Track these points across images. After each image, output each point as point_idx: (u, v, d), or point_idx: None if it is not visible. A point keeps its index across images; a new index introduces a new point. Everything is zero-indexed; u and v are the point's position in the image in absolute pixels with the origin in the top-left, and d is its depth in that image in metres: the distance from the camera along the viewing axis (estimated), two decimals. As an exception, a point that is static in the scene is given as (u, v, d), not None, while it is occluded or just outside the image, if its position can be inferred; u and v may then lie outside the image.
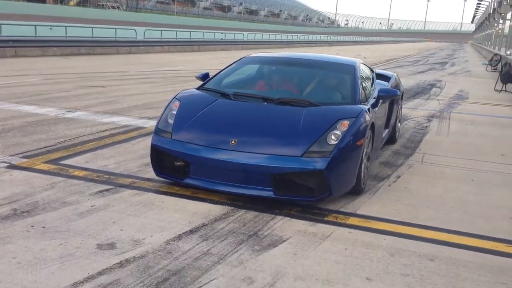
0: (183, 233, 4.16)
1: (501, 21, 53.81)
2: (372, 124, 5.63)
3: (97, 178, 5.37)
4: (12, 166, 5.60)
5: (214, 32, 46.08)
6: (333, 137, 4.93)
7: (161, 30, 37.93)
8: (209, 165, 4.92)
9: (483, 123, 10.81)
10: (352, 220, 4.67)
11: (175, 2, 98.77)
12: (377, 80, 7.54)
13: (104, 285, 3.27)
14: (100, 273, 3.42)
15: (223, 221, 4.45)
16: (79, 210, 4.49)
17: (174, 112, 5.43)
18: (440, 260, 3.97)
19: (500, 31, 54.92)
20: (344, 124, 5.06)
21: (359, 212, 4.90)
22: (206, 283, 3.38)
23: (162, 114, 5.50)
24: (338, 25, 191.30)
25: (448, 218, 4.91)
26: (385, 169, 6.50)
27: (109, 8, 75.29)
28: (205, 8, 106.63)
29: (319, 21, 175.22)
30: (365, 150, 5.33)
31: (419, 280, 3.62)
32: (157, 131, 5.32)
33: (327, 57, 7.29)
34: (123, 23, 49.66)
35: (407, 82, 18.45)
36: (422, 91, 16.63)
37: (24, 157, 5.98)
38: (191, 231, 4.20)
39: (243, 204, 4.87)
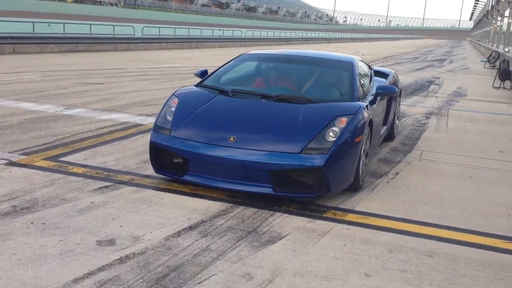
0: (183, 229, 4.17)
1: (499, 18, 53.84)
2: (370, 121, 5.65)
3: (96, 175, 5.38)
4: (11, 163, 5.61)
5: (212, 29, 46.10)
6: (331, 134, 4.94)
7: (159, 27, 37.89)
8: (208, 162, 4.93)
9: (481, 120, 10.83)
10: (351, 217, 4.69)
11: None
12: (375, 77, 7.55)
13: (104, 281, 3.29)
14: (100, 269, 3.43)
15: (222, 218, 4.47)
16: (78, 206, 4.50)
17: (173, 109, 5.44)
18: (438, 256, 3.99)
19: (498, 28, 54.96)
20: (342, 121, 5.08)
21: (357, 208, 4.92)
22: (205, 279, 3.40)
23: (161, 111, 5.50)
24: (337, 22, 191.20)
25: (446, 214, 4.93)
26: (384, 166, 6.52)
27: (107, 4, 75.11)
28: (203, 5, 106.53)
29: (318, 18, 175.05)
30: (363, 147, 5.35)
31: (417, 276, 3.64)
32: (156, 128, 5.33)
33: (325, 54, 7.31)
34: (121, 20, 49.63)
35: (405, 79, 18.47)
36: (420, 88, 16.65)
37: (23, 154, 5.98)
38: (190, 228, 4.21)
39: (242, 200, 4.89)
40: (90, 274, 3.37)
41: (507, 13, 45.20)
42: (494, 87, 17.92)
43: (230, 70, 6.61)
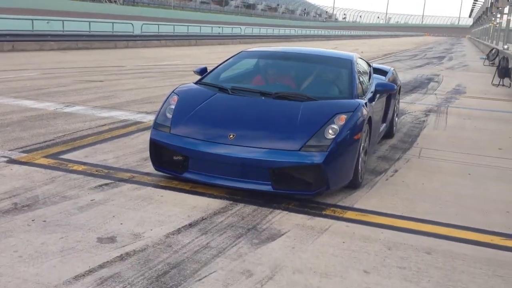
0: (183, 226, 4.19)
1: (498, 15, 53.82)
2: (370, 118, 5.67)
3: (97, 173, 5.40)
4: (12, 161, 5.63)
5: (212, 26, 46.06)
6: (330, 131, 4.96)
7: (158, 24, 37.90)
8: (207, 159, 4.95)
9: (480, 118, 10.85)
10: (350, 214, 4.72)
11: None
12: (374, 75, 7.58)
13: (105, 278, 3.31)
14: (101, 266, 3.46)
15: (222, 215, 4.49)
16: (79, 204, 4.52)
17: (173, 107, 5.45)
18: (437, 253, 4.02)
19: (497, 25, 54.91)
20: (342, 118, 5.09)
21: (356, 206, 4.94)
22: (205, 276, 3.42)
23: (161, 109, 5.52)
24: (336, 19, 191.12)
25: (445, 212, 4.95)
26: (383, 163, 6.54)
27: (106, 2, 75.05)
28: (202, 2, 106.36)
29: (317, 15, 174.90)
30: (362, 144, 5.37)
31: (416, 273, 3.66)
32: (156, 126, 5.35)
33: (324, 52, 7.32)
34: (120, 17, 49.56)
35: (404, 77, 18.49)
36: (419, 85, 16.67)
37: (23, 151, 6.00)
38: (190, 225, 4.24)
39: (241, 198, 4.91)
40: (91, 271, 3.39)
41: (506, 10, 45.18)
42: (493, 85, 17.93)
43: (229, 67, 6.62)
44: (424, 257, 3.93)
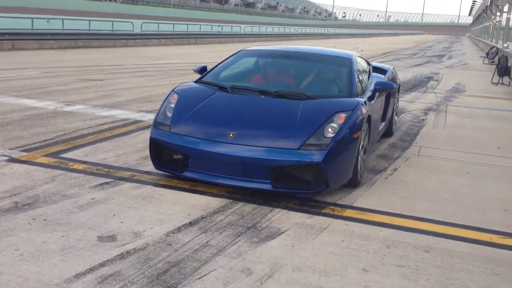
0: (183, 225, 4.21)
1: (498, 14, 53.79)
2: (369, 117, 5.69)
3: (97, 171, 5.42)
4: (12, 160, 5.65)
5: (211, 25, 46.04)
6: (330, 130, 4.98)
7: (158, 23, 37.91)
8: (207, 158, 4.97)
9: (479, 116, 10.87)
10: (349, 213, 4.74)
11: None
12: (374, 73, 7.59)
13: (105, 276, 3.33)
14: (102, 265, 3.48)
15: (222, 214, 4.51)
16: (79, 203, 4.54)
17: (173, 105, 5.47)
18: (435, 251, 4.04)
19: (497, 23, 54.89)
20: (341, 117, 5.11)
21: (355, 204, 4.96)
22: (205, 274, 3.44)
23: (161, 107, 5.54)
24: (336, 17, 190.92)
25: (444, 210, 4.97)
26: (382, 162, 6.56)
27: (106, 0, 74.98)
28: (202, 1, 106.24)
29: (317, 14, 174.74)
30: (361, 142, 5.38)
31: (415, 271, 3.68)
32: (156, 124, 5.37)
33: (324, 50, 7.33)
34: (120, 16, 49.52)
35: (404, 75, 18.51)
36: (419, 84, 16.68)
37: (24, 150, 6.02)
38: (191, 224, 4.26)
39: (241, 196, 4.93)
40: (91, 269, 3.41)
41: (506, 8, 45.14)
42: (492, 83, 17.95)
43: (229, 66, 6.64)
44: (423, 255, 3.95)
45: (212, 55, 23.57)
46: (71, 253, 3.62)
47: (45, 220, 4.14)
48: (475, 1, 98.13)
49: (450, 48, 53.95)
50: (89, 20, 28.96)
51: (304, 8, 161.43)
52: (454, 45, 65.50)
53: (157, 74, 14.99)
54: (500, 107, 12.60)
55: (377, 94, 6.50)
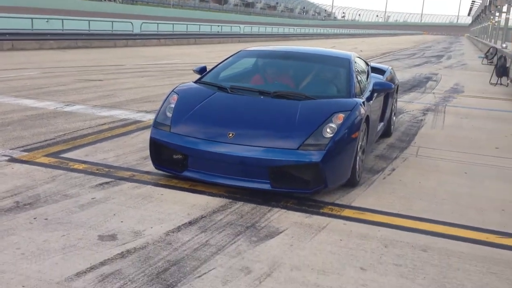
0: (182, 224, 4.25)
1: (497, 14, 53.85)
2: (367, 117, 5.72)
3: (97, 171, 5.46)
4: (13, 160, 5.68)
5: (211, 25, 46.08)
6: (328, 130, 5.02)
7: (158, 23, 37.96)
8: (207, 158, 5.00)
9: (478, 117, 10.91)
10: (347, 212, 4.78)
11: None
12: (372, 74, 7.63)
13: (106, 275, 3.37)
14: (102, 264, 3.51)
15: (221, 213, 4.55)
16: (80, 202, 4.58)
17: (173, 106, 5.50)
18: (433, 251, 4.07)
19: (496, 24, 54.95)
20: (339, 117, 5.15)
21: (354, 204, 5.00)
22: (205, 273, 3.48)
23: (161, 108, 5.57)
24: (335, 17, 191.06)
25: (441, 210, 5.01)
26: (380, 162, 6.60)
27: (105, 0, 74.99)
28: (201, 0, 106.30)
29: (316, 14, 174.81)
30: (360, 143, 5.42)
31: (412, 270, 3.72)
32: (156, 125, 5.40)
33: (322, 51, 7.37)
34: (120, 16, 49.57)
35: (403, 76, 18.54)
36: (418, 84, 16.72)
37: (24, 150, 6.06)
38: (190, 223, 4.29)
39: (240, 196, 4.97)
40: (92, 268, 3.45)
41: (505, 8, 45.21)
42: (491, 84, 17.99)
43: (228, 66, 6.68)
44: (420, 254, 3.99)
45: (211, 55, 23.61)
46: (72, 252, 3.66)
47: (46, 219, 4.17)
48: (474, 1, 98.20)
49: (449, 48, 54.00)
50: (89, 20, 28.99)
51: (304, 8, 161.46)
52: (453, 45, 65.56)
53: (156, 74, 15.02)
54: (498, 107, 12.64)
55: (375, 94, 6.54)
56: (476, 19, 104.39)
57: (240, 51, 7.05)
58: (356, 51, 9.54)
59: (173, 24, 39.47)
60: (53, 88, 11.01)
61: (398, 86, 9.11)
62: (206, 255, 3.73)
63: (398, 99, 9.97)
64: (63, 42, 23.29)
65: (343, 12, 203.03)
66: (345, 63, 6.53)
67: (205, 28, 43.69)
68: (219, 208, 4.67)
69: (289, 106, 5.42)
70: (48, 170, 5.41)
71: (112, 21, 31.06)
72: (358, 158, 5.39)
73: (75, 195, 4.73)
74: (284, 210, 4.71)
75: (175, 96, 5.65)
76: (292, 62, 6.80)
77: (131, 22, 32.57)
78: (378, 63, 9.99)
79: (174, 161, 5.24)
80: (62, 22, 26.67)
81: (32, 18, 24.88)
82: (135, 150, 6.35)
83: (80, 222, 4.16)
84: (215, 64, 6.74)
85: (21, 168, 5.42)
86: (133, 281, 3.31)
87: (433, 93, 14.64)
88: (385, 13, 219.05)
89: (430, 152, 7.34)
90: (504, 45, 30.33)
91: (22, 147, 6.20)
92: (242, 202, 4.84)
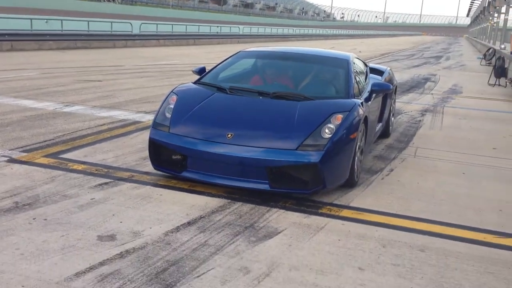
0: (181, 225, 4.27)
1: (496, 15, 53.88)
2: (366, 118, 5.74)
3: (96, 172, 5.47)
4: (12, 160, 5.70)
5: (210, 26, 46.09)
6: (327, 130, 5.03)
7: (157, 24, 37.97)
8: (206, 158, 5.02)
9: (476, 117, 10.93)
10: (346, 212, 4.79)
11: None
12: (371, 74, 7.65)
13: (105, 275, 3.38)
14: (101, 264, 3.53)
15: (220, 213, 4.56)
16: (79, 203, 4.59)
17: (172, 106, 5.52)
18: (430, 250, 4.09)
19: (495, 24, 54.99)
20: (338, 118, 5.17)
21: (352, 204, 5.02)
22: (203, 273, 3.49)
23: (160, 108, 5.59)
24: (334, 18, 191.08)
25: (439, 210, 5.03)
26: (379, 163, 6.62)
27: (104, 1, 74.95)
28: (200, 1, 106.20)
29: (315, 15, 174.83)
30: (358, 143, 5.44)
31: (410, 270, 3.74)
32: (155, 125, 5.42)
33: (321, 52, 7.40)
34: (119, 17, 49.56)
35: (401, 76, 18.57)
36: (416, 85, 16.74)
37: (23, 151, 6.07)
38: (189, 223, 4.31)
39: (239, 196, 4.99)
40: (91, 268, 3.47)
41: (503, 9, 45.25)
42: (489, 84, 18.02)
43: (228, 67, 6.70)
44: (418, 254, 4.01)
45: (210, 55, 23.62)
46: (71, 252, 3.67)
47: (45, 220, 4.19)
48: (473, 2, 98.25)
49: (448, 49, 54.05)
50: (88, 21, 28.98)
51: (303, 9, 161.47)
52: (452, 46, 65.62)
53: (156, 75, 15.03)
54: (496, 108, 12.67)
55: (374, 95, 6.55)
56: (475, 20, 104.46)
57: (239, 51, 7.06)
58: (354, 52, 9.55)
59: (172, 24, 39.46)
60: (52, 88, 11.02)
61: (396, 87, 9.13)
62: (205, 255, 3.75)
63: (396, 100, 9.99)
64: (62, 42, 23.31)
65: (342, 13, 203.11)
66: (343, 64, 6.55)
67: (204, 29, 43.71)
68: (218, 208, 4.68)
69: (288, 107, 5.44)
70: (47, 170, 5.42)
71: (111, 22, 31.06)
72: (356, 158, 5.41)
73: (74, 196, 4.75)
74: (283, 211, 4.73)
75: (174, 97, 5.67)
76: (291, 63, 6.82)
77: (130, 23, 32.55)
78: (377, 64, 10.01)
79: (173, 162, 5.25)
80: (61, 22, 26.67)
81: (31, 19, 24.87)
82: (134, 151, 6.36)
83: (79, 223, 4.17)
84: (214, 64, 6.76)
85: (20, 168, 5.44)
86: (132, 281, 3.33)
87: (432, 94, 14.66)
88: (384, 14, 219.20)
89: (428, 152, 7.36)
90: (502, 46, 30.33)
91: (21, 147, 6.21)
92: (241, 203, 4.85)
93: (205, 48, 30.98)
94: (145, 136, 6.59)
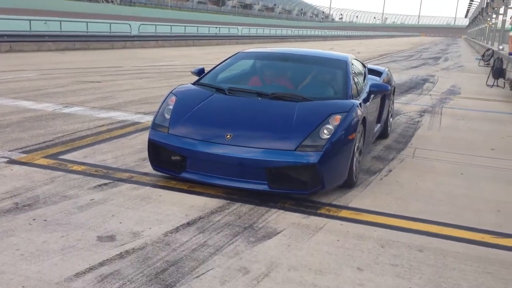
0: (181, 225, 4.28)
1: (494, 16, 53.96)
2: (364, 119, 5.76)
3: (96, 173, 5.48)
4: (12, 161, 5.71)
5: (209, 27, 46.09)
6: (325, 131, 5.05)
7: (156, 25, 37.91)
8: (205, 159, 5.04)
9: (474, 118, 10.96)
10: (344, 213, 4.81)
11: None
12: (369, 75, 7.67)
13: (105, 275, 3.40)
14: (101, 264, 3.54)
15: (219, 214, 4.58)
16: (79, 203, 4.61)
17: (171, 107, 5.53)
18: (429, 251, 4.11)
19: (493, 25, 55.07)
20: (336, 119, 5.19)
21: (351, 205, 5.04)
22: (203, 273, 3.51)
23: (159, 109, 5.60)
24: (333, 19, 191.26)
25: (437, 210, 5.05)
26: (377, 163, 6.64)
27: (103, 2, 74.96)
28: (199, 2, 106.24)
29: (314, 16, 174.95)
30: (357, 144, 5.46)
31: (408, 270, 3.76)
32: (154, 126, 5.43)
33: (320, 53, 7.42)
34: (117, 17, 49.63)
35: (400, 77, 18.60)
36: (415, 86, 16.77)
37: (23, 152, 6.08)
38: (188, 224, 4.32)
39: (238, 197, 5.00)
40: (91, 268, 3.48)
41: (501, 10, 45.34)
42: (487, 85, 18.05)
43: (226, 68, 6.71)
44: (416, 254, 4.03)
45: (209, 56, 23.65)
46: (71, 252, 3.68)
47: (45, 220, 4.20)
48: (471, 3, 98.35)
49: (446, 50, 54.10)
50: (87, 22, 28.97)
51: (301, 10, 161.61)
52: (451, 47, 65.67)
53: (154, 76, 15.05)
54: (494, 109, 12.70)
55: (372, 96, 6.58)
56: (473, 21, 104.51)
57: (238, 52, 7.08)
58: (353, 53, 9.57)
59: (171, 25, 39.45)
60: (51, 89, 11.03)
61: (395, 87, 9.15)
62: (204, 256, 3.76)
63: (395, 101, 10.01)
64: (61, 43, 23.32)
65: (341, 14, 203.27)
66: (342, 65, 6.57)
67: (203, 30, 43.70)
68: (217, 209, 4.70)
69: (286, 108, 5.46)
70: (47, 171, 5.43)
71: (110, 23, 31.08)
72: (355, 159, 5.43)
73: (74, 196, 4.76)
74: (282, 211, 4.75)
75: (173, 98, 5.68)
76: (289, 64, 6.83)
77: (129, 24, 32.55)
78: (375, 65, 10.06)
79: (173, 163, 5.27)
80: (60, 23, 26.66)
81: (30, 20, 24.90)
82: (133, 152, 6.38)
83: (79, 223, 4.19)
84: (213, 65, 6.78)
85: (20, 169, 5.45)
86: (132, 281, 3.35)
87: (430, 94, 14.69)
88: (382, 15, 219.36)
89: (426, 153, 7.38)
90: (501, 47, 30.36)
91: (21, 148, 6.22)
92: (240, 203, 4.87)
93: (204, 49, 31.01)
94: (144, 137, 6.61)
